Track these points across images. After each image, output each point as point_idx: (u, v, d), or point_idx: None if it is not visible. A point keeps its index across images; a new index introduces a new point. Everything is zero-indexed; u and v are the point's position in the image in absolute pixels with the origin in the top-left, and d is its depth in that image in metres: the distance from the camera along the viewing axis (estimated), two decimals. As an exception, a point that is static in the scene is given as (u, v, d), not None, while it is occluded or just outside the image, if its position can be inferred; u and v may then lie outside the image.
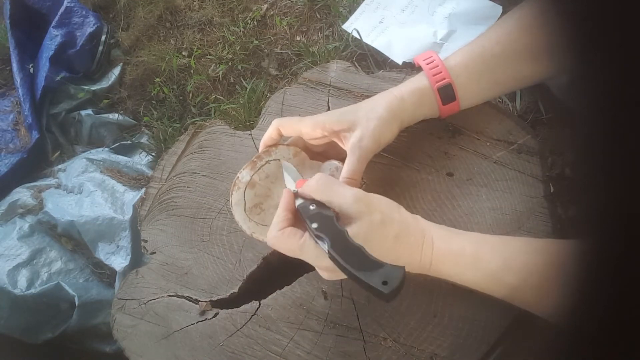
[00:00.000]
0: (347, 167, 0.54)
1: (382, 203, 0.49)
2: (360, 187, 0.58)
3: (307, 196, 0.49)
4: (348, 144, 0.55)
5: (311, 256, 0.46)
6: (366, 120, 0.54)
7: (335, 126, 0.55)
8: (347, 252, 0.43)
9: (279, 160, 0.58)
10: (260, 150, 0.59)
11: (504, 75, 0.56)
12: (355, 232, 0.45)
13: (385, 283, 0.40)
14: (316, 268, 0.49)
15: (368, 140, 0.54)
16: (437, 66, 0.56)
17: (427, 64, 0.57)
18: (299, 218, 0.49)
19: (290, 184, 0.53)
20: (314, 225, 0.45)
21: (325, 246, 0.44)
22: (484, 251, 0.48)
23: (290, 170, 0.56)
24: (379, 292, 0.40)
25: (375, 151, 0.56)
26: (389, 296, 0.40)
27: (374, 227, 0.45)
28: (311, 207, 0.48)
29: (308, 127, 0.56)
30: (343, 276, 0.48)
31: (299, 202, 0.50)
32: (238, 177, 0.57)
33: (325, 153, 0.60)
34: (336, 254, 0.43)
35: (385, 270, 0.41)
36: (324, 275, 0.49)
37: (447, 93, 0.56)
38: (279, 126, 0.57)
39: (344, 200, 0.47)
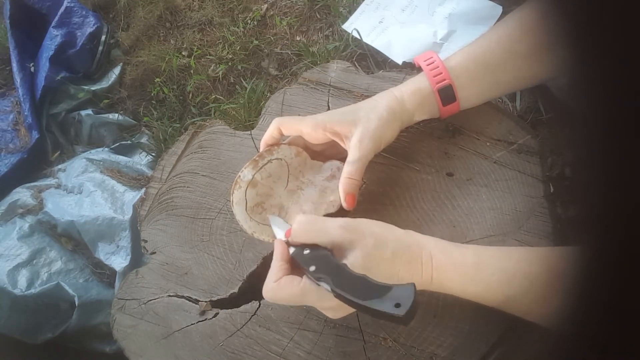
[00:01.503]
0: (347, 167, 0.54)
1: (371, 226, 0.47)
2: (360, 188, 0.58)
3: (297, 243, 0.48)
4: (349, 144, 0.55)
5: (314, 299, 0.44)
6: (367, 121, 0.54)
7: (336, 126, 0.55)
8: (351, 285, 0.41)
9: (281, 159, 0.58)
10: (261, 149, 0.59)
11: (504, 76, 0.56)
12: (352, 262, 0.44)
13: (398, 305, 0.38)
14: (320, 310, 0.47)
15: (369, 140, 0.54)
16: (438, 67, 0.56)
17: (428, 65, 0.57)
18: (295, 267, 0.47)
19: (280, 235, 0.51)
20: (312, 268, 0.44)
21: (327, 286, 0.42)
22: (485, 262, 0.47)
23: (278, 222, 0.54)
24: (394, 317, 0.38)
25: (376, 151, 0.56)
26: (405, 318, 0.38)
27: (370, 252, 0.44)
28: (305, 252, 0.46)
29: (309, 127, 0.56)
30: (349, 312, 0.47)
31: (292, 250, 0.48)
32: (239, 176, 0.57)
33: (325, 152, 0.60)
34: (340, 290, 0.41)
35: (395, 292, 0.39)
36: (330, 314, 0.47)
37: (447, 94, 0.56)
38: (280, 125, 0.57)
39: (332, 234, 0.45)
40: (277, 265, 0.47)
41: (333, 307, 0.45)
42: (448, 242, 0.49)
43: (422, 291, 0.48)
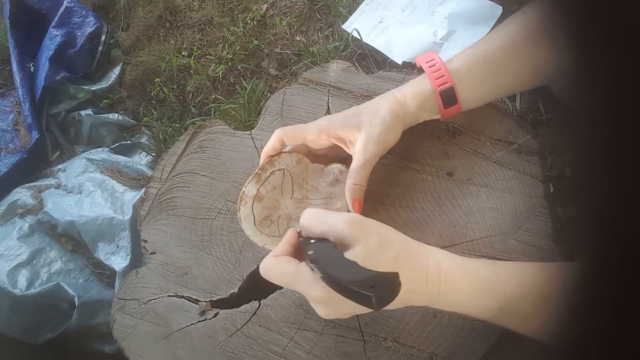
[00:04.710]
0: (353, 174, 0.54)
1: (378, 226, 0.46)
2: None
3: (305, 234, 0.48)
4: (353, 149, 0.54)
5: (305, 284, 0.43)
6: (370, 125, 0.54)
7: (339, 131, 0.55)
8: (338, 267, 0.40)
9: (283, 169, 0.57)
10: (261, 161, 0.58)
11: (506, 78, 0.56)
12: (351, 257, 0.42)
13: (372, 287, 0.37)
14: (311, 302, 0.46)
15: (373, 145, 0.53)
16: (440, 69, 0.56)
17: (430, 67, 0.57)
18: (300, 254, 0.48)
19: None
20: (310, 252, 0.44)
21: (317, 269, 0.42)
22: (500, 276, 0.46)
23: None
24: (365, 298, 0.37)
25: (381, 155, 0.55)
26: (376, 300, 0.36)
27: (372, 251, 0.43)
28: (311, 241, 0.46)
29: (313, 134, 0.55)
30: (339, 312, 0.45)
31: (300, 239, 0.48)
32: (244, 192, 0.56)
33: (327, 155, 0.60)
34: (327, 268, 0.40)
35: (375, 276, 0.38)
36: (321, 311, 0.45)
37: (448, 96, 0.56)
38: (282, 136, 0.56)
39: (337, 227, 0.45)
40: (281, 246, 0.48)
41: (322, 300, 0.44)
42: (459, 256, 0.48)
43: (426, 308, 0.47)
